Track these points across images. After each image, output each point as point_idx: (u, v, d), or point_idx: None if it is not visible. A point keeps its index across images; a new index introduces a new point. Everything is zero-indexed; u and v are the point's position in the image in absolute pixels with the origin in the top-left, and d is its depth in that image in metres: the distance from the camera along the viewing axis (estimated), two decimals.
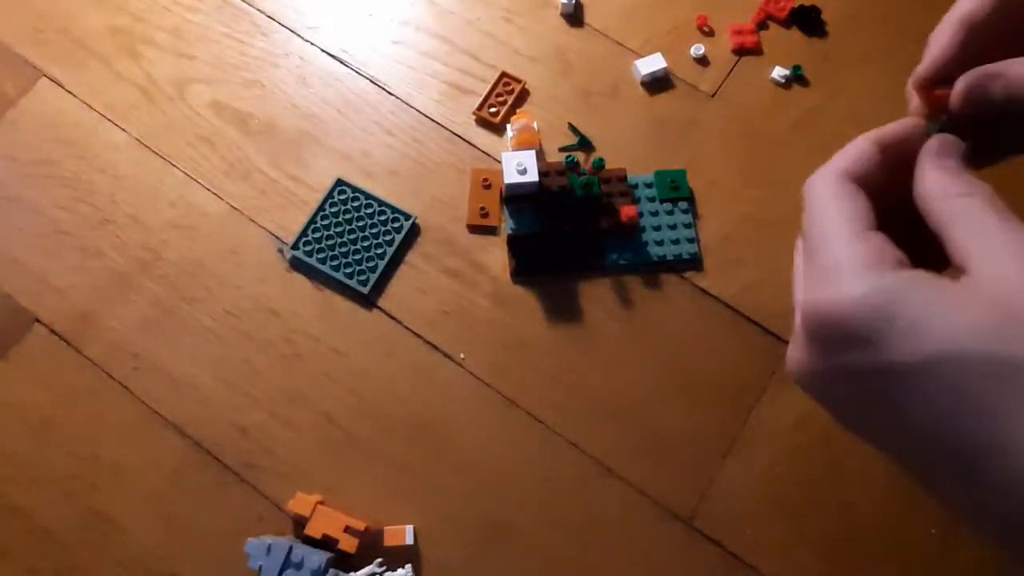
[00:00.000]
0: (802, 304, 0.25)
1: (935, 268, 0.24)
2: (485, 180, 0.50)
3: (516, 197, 0.47)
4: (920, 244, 0.25)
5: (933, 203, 0.25)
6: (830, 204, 0.26)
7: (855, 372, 0.24)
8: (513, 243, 0.48)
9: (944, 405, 0.22)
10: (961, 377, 0.22)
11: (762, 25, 0.55)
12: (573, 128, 0.51)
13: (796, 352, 0.26)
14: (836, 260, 0.24)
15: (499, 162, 0.48)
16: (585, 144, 0.51)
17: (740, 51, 0.54)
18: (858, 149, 0.27)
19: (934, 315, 0.22)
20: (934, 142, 0.27)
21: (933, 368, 0.22)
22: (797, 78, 0.53)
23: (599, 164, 0.48)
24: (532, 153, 0.46)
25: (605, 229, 0.48)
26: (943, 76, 0.28)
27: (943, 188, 0.25)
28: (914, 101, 0.29)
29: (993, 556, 0.41)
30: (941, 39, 0.28)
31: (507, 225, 0.48)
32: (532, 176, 0.45)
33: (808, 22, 0.55)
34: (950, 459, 0.23)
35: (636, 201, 0.49)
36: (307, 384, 0.46)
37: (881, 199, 0.26)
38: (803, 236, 0.27)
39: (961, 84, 0.27)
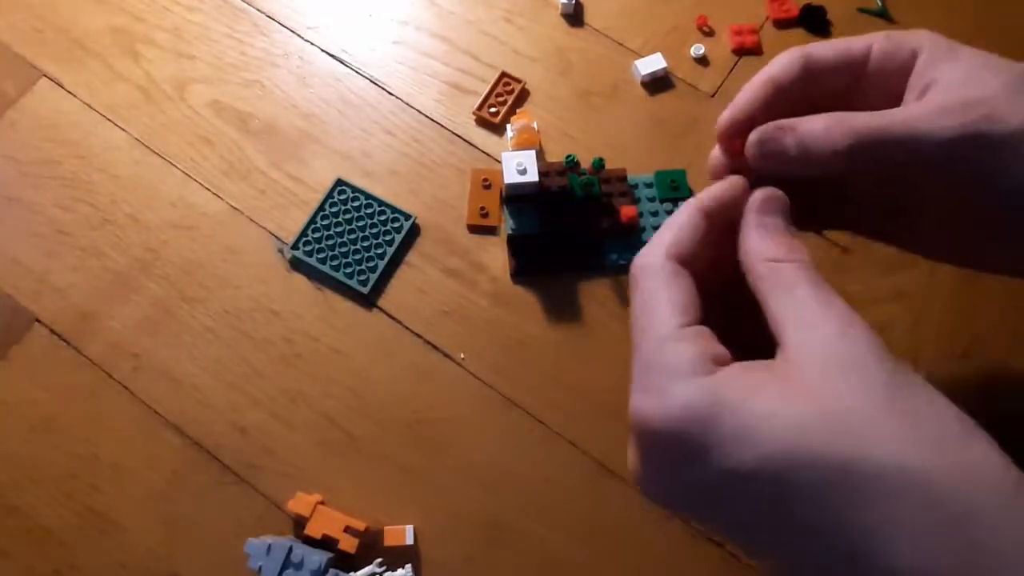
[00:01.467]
0: (631, 412, 0.24)
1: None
2: (485, 180, 0.50)
3: (516, 197, 0.47)
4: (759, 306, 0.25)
5: (749, 264, 0.25)
6: (652, 295, 0.25)
7: (690, 484, 0.23)
8: (513, 243, 0.48)
9: (779, 512, 0.22)
10: (798, 485, 0.21)
11: (767, 26, 0.55)
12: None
13: (633, 461, 0.25)
14: (657, 362, 0.24)
15: (499, 162, 0.48)
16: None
17: (740, 51, 0.54)
18: (683, 221, 0.26)
19: (758, 417, 0.22)
20: (758, 195, 0.26)
21: (764, 476, 0.21)
22: None
23: (599, 164, 0.48)
24: (532, 153, 0.46)
25: (605, 229, 0.48)
26: (744, 128, 0.28)
27: (760, 252, 0.25)
28: (714, 152, 0.30)
29: None
30: (747, 93, 0.28)
31: (507, 225, 0.48)
32: (532, 176, 0.45)
33: (814, 22, 0.54)
34: (807, 561, 0.22)
35: (636, 201, 0.49)
36: (307, 384, 0.46)
37: (713, 265, 0.26)
38: (632, 323, 0.26)
39: (754, 135, 0.27)
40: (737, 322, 0.26)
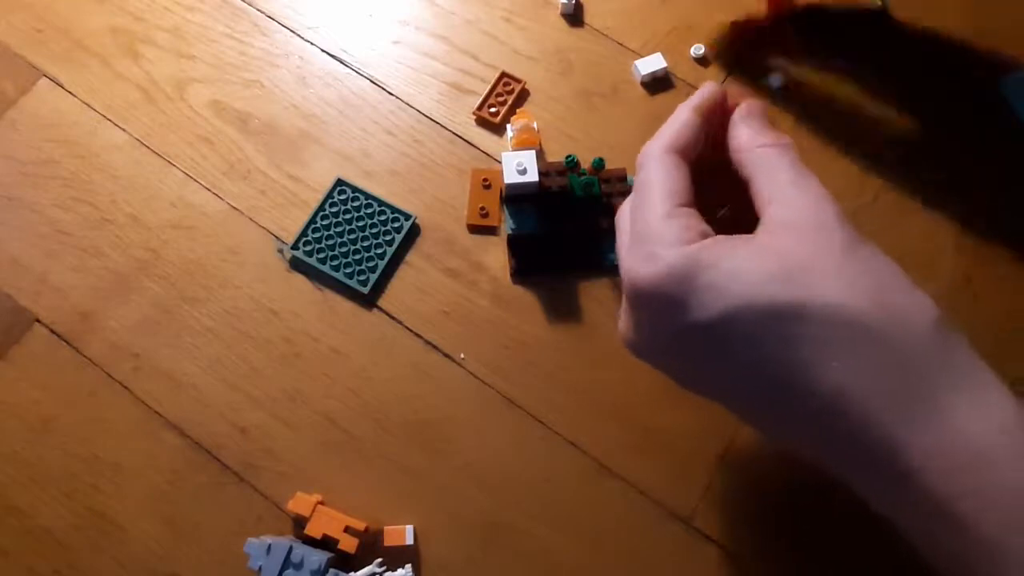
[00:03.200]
0: (623, 275, 0.29)
1: (754, 216, 0.29)
2: (485, 180, 0.50)
3: (516, 197, 0.47)
4: (739, 194, 0.29)
5: (741, 153, 0.29)
6: (651, 180, 0.29)
7: (671, 334, 0.27)
8: (513, 243, 0.48)
9: (746, 354, 0.25)
10: (754, 327, 0.25)
11: (763, 27, 0.55)
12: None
13: (623, 322, 0.30)
14: (650, 234, 0.28)
15: (499, 162, 0.48)
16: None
17: (742, 50, 0.54)
18: (681, 121, 0.31)
19: (728, 273, 0.25)
20: (743, 107, 0.31)
21: (729, 322, 0.25)
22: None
23: (599, 164, 0.48)
24: (532, 153, 0.46)
25: (605, 229, 0.48)
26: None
27: (750, 139, 0.29)
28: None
29: None
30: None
31: (507, 225, 0.48)
32: (532, 176, 0.45)
33: (813, 22, 0.54)
34: (760, 401, 0.26)
35: None
36: (307, 384, 0.46)
37: (704, 159, 0.31)
38: (631, 199, 0.30)
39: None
40: (720, 205, 0.32)
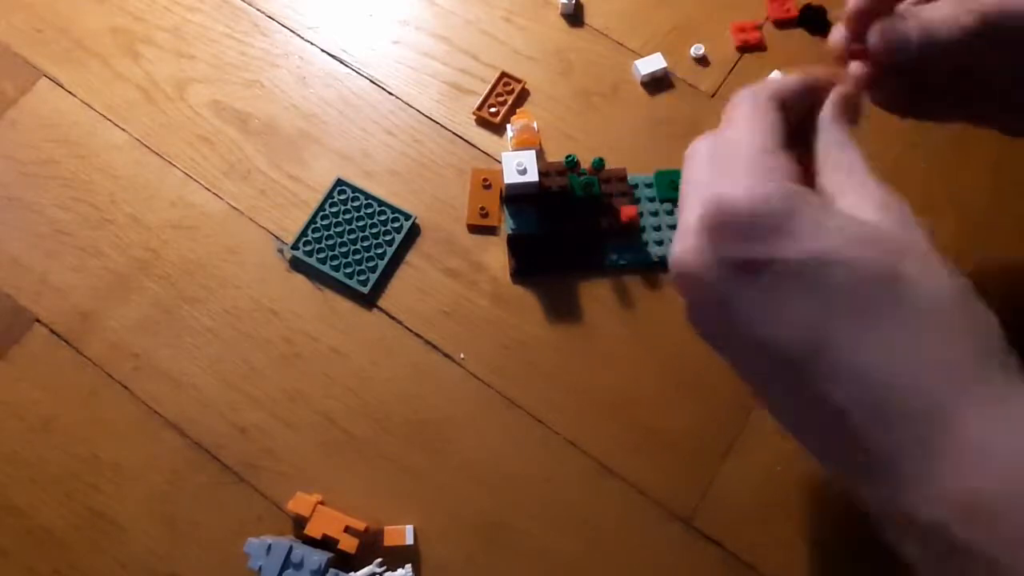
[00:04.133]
0: (706, 196, 0.27)
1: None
2: (485, 180, 0.50)
3: (516, 197, 0.47)
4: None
5: (825, 144, 0.29)
6: (756, 115, 0.29)
7: (740, 262, 0.26)
8: (513, 243, 0.48)
9: (816, 300, 0.25)
10: (849, 280, 0.24)
11: (767, 26, 0.55)
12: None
13: (684, 244, 0.28)
14: (749, 163, 0.27)
15: (499, 162, 0.48)
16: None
17: (743, 48, 0.54)
18: (791, 80, 0.31)
19: (835, 217, 0.25)
20: (838, 93, 0.31)
21: (827, 264, 0.25)
22: None
23: (599, 164, 0.48)
24: (532, 153, 0.46)
25: (605, 229, 0.48)
26: (868, 16, 0.31)
27: (838, 134, 0.29)
28: (836, 34, 0.33)
29: None
30: None
31: (507, 225, 0.48)
32: (532, 176, 0.45)
33: (814, 22, 0.54)
34: (788, 362, 0.26)
35: (636, 201, 0.49)
36: (307, 384, 0.46)
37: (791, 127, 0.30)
38: (719, 135, 0.30)
39: (876, 25, 0.30)
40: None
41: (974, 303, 0.25)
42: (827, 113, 0.30)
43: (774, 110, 0.29)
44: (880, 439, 0.24)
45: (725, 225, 0.26)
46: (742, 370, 0.29)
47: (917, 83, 0.33)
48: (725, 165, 0.28)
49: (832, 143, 0.29)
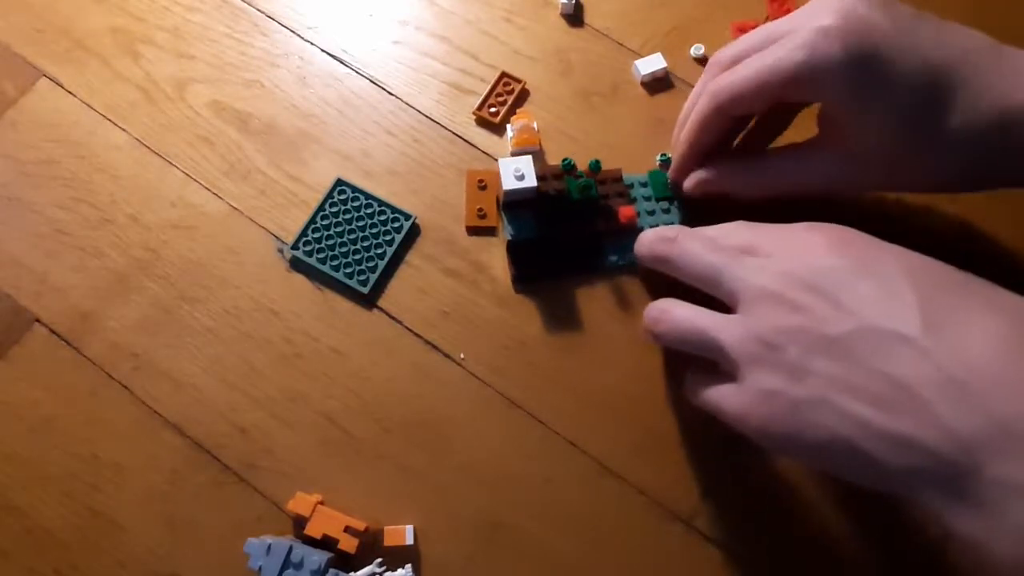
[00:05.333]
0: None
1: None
2: (480, 181, 0.50)
3: (514, 203, 0.47)
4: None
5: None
6: None
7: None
8: (512, 250, 0.48)
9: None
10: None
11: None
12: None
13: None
14: None
15: (498, 161, 0.48)
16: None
17: None
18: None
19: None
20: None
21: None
22: None
23: (596, 166, 0.48)
24: (529, 158, 0.46)
25: (604, 231, 0.48)
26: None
27: None
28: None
29: None
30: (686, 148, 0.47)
31: (506, 231, 0.48)
32: (530, 182, 0.45)
33: None
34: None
35: (633, 201, 0.49)
36: (307, 384, 0.46)
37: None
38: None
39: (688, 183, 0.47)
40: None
41: None
42: None
43: None
44: None
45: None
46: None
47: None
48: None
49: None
